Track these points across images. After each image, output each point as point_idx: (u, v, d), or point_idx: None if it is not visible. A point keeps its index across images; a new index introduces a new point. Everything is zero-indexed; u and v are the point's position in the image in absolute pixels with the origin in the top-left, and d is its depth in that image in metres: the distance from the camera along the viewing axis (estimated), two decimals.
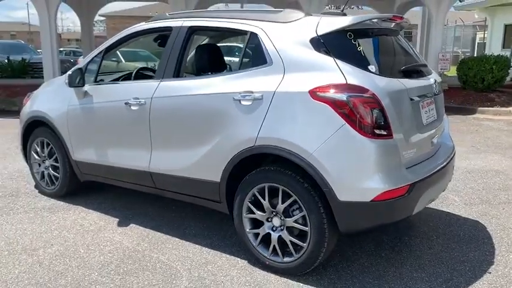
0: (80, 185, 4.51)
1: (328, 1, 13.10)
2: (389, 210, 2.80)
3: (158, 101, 3.50)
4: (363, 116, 2.69)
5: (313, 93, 2.78)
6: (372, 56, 2.97)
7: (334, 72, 2.81)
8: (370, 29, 3.09)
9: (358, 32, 2.97)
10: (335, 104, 2.72)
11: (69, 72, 4.06)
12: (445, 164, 3.27)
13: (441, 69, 11.97)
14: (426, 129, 3.14)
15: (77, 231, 3.79)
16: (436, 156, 3.29)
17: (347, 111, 2.69)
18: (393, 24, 3.35)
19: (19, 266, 3.20)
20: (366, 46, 2.97)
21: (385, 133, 2.74)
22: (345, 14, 3.27)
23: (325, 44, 2.90)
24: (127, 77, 4.42)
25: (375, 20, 3.13)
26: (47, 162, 4.56)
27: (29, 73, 14.08)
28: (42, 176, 4.64)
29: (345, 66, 2.81)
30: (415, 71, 3.21)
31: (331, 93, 2.74)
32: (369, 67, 2.83)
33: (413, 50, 3.46)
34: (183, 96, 3.38)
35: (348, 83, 2.75)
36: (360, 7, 23.38)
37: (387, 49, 3.22)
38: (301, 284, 2.96)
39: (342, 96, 2.71)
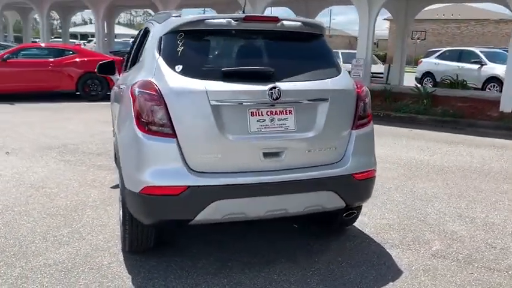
0: None
1: None
2: (161, 207, 2.82)
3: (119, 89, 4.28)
4: (143, 112, 2.82)
5: (130, 87, 3.05)
6: (188, 56, 2.95)
7: (152, 70, 2.99)
8: (209, 30, 3.03)
9: (192, 32, 3.01)
10: (132, 98, 2.93)
11: (100, 62, 5.22)
12: (285, 181, 2.89)
13: (353, 75, 11.01)
14: (254, 139, 2.87)
15: (63, 183, 4.92)
16: (277, 171, 2.91)
17: (135, 106, 2.87)
18: (272, 25, 3.11)
19: None
20: (191, 46, 2.99)
21: (164, 131, 2.78)
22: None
23: (161, 43, 3.08)
24: None
25: (220, 21, 3.02)
26: None
27: None
28: None
29: (161, 65, 2.95)
30: (248, 75, 2.91)
31: (133, 89, 2.95)
32: (176, 67, 2.88)
33: (289, 55, 3.13)
34: (120, 85, 4.05)
35: (150, 80, 2.90)
36: None
37: (223, 49, 3.07)
38: (120, 259, 3.25)
39: (135, 92, 2.90)
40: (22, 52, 11.67)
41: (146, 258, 3.27)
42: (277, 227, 3.85)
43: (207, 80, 2.84)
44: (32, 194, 4.58)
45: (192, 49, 3.01)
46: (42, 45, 14.28)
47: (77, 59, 11.60)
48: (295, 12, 16.04)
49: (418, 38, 34.27)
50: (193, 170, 2.80)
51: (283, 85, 2.90)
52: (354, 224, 3.93)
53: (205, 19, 3.03)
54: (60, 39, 25.84)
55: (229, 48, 3.15)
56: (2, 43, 16.29)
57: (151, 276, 3.04)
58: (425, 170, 5.88)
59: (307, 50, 3.24)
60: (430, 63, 17.37)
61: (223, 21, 3.03)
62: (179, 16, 3.21)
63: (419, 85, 13.76)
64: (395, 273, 3.18)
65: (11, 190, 4.67)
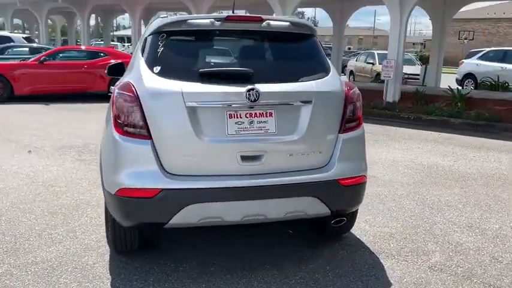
0: None
1: None
2: (136, 209, 2.80)
3: None
4: (120, 113, 2.81)
5: (115, 88, 3.06)
6: (167, 56, 2.92)
7: (135, 71, 2.99)
8: (191, 31, 2.98)
9: (174, 33, 2.98)
10: (112, 100, 2.93)
11: (109, 65, 5.30)
12: (263, 185, 2.80)
13: (384, 76, 10.91)
14: (231, 141, 2.79)
15: (73, 182, 5.04)
16: (256, 175, 2.82)
17: (114, 108, 2.87)
18: (260, 24, 3.02)
19: (13, 179, 4.96)
20: (171, 47, 2.96)
21: (139, 133, 2.76)
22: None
23: (145, 44, 3.07)
24: None
25: (203, 21, 2.97)
26: None
27: None
28: None
29: (141, 66, 2.95)
30: (226, 77, 2.83)
31: (115, 90, 2.95)
32: (155, 68, 2.85)
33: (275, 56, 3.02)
34: None
35: (129, 81, 2.90)
36: None
37: (204, 50, 3.00)
38: (106, 260, 3.27)
39: (115, 93, 2.90)
40: (58, 54, 12.13)
41: (131, 259, 3.27)
42: (271, 232, 3.76)
43: (184, 81, 2.80)
44: (41, 192, 4.71)
45: (173, 50, 2.98)
46: (83, 47, 14.82)
47: (111, 61, 11.90)
48: (329, 12, 15.81)
49: (466, 38, 32.92)
50: (169, 173, 2.77)
51: (263, 87, 2.81)
52: (353, 232, 3.78)
53: (187, 19, 2.99)
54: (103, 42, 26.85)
55: (210, 49, 3.10)
56: (44, 46, 17.00)
57: (130, 278, 3.03)
58: (444, 177, 5.58)
59: (293, 51, 3.14)
60: (471, 64, 16.61)
61: (206, 21, 2.98)
62: (166, 17, 3.19)
63: (459, 87, 13.21)
64: (383, 285, 3.01)
65: (23, 188, 4.82)
